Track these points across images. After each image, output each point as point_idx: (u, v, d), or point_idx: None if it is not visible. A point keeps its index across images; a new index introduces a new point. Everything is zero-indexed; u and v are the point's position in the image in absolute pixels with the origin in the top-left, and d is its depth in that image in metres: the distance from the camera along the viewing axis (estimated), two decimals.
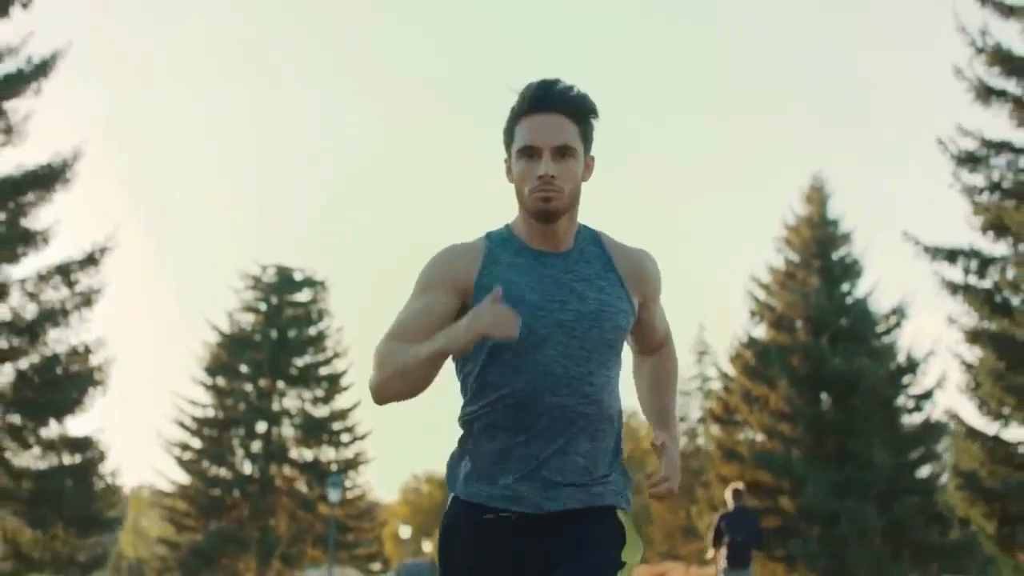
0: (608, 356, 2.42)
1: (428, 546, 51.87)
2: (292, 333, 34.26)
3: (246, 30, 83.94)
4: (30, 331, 20.42)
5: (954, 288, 20.25)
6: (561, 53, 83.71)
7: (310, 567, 32.76)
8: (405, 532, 51.63)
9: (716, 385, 32.73)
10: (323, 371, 34.39)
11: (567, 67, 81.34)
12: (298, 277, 35.05)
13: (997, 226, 19.75)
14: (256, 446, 33.27)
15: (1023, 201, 19.82)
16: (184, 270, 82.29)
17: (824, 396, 27.50)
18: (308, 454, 33.84)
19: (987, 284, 20.23)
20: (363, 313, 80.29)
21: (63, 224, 21.12)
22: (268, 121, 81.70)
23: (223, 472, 32.96)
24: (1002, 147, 20.13)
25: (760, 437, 28.96)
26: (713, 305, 75.35)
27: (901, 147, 73.34)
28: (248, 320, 34.48)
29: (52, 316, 20.58)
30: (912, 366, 27.47)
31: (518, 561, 2.37)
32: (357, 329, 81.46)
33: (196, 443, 32.96)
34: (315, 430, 33.67)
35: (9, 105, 20.25)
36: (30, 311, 20.54)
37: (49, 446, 20.75)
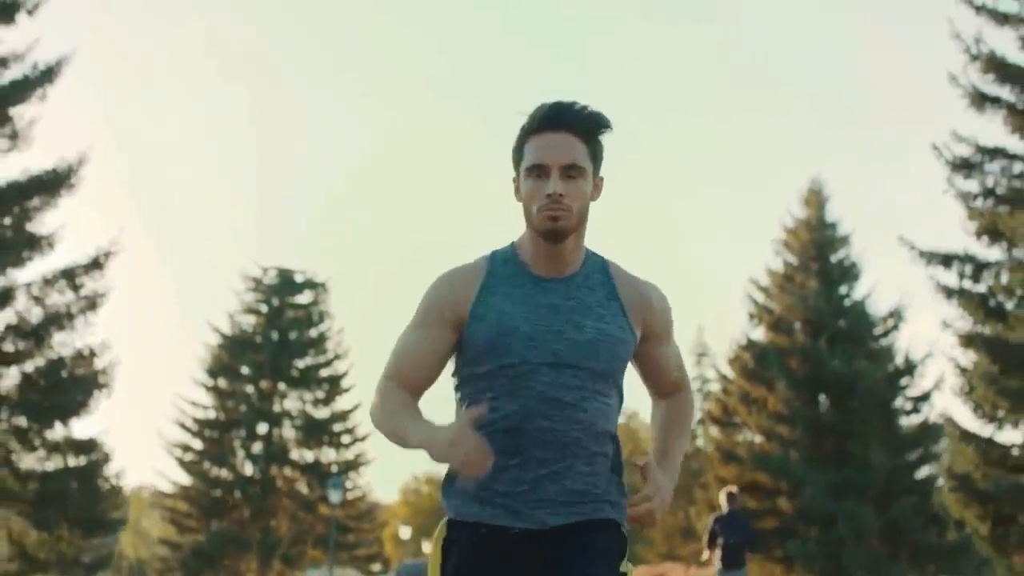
0: (604, 385, 2.41)
1: (428, 547, 51.99)
2: (293, 335, 34.39)
3: (246, 30, 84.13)
4: (36, 335, 20.57)
5: (949, 292, 20.42)
6: (561, 53, 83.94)
7: (311, 568, 32.85)
8: (405, 533, 51.75)
9: (715, 387, 32.87)
10: (324, 373, 34.53)
11: (567, 67, 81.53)
12: (299, 279, 35.17)
13: (992, 231, 19.91)
14: (257, 447, 33.40)
15: (1017, 207, 19.97)
16: (184, 271, 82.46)
17: (822, 398, 27.63)
18: (309, 455, 33.96)
19: (982, 288, 20.39)
20: (364, 314, 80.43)
21: (66, 227, 21.36)
22: (268, 121, 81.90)
23: (224, 473, 33.09)
24: (996, 153, 20.28)
25: (758, 439, 29.08)
26: (713, 306, 75.49)
27: (901, 147, 73.53)
28: (249, 322, 34.61)
29: (57, 320, 20.73)
30: (910, 368, 27.62)
31: (518, 573, 2.35)
32: (358, 331, 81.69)
33: (197, 444, 33.10)
34: (316, 431, 33.80)
35: (15, 111, 20.43)
36: (36, 315, 20.70)
37: (54, 448, 20.89)
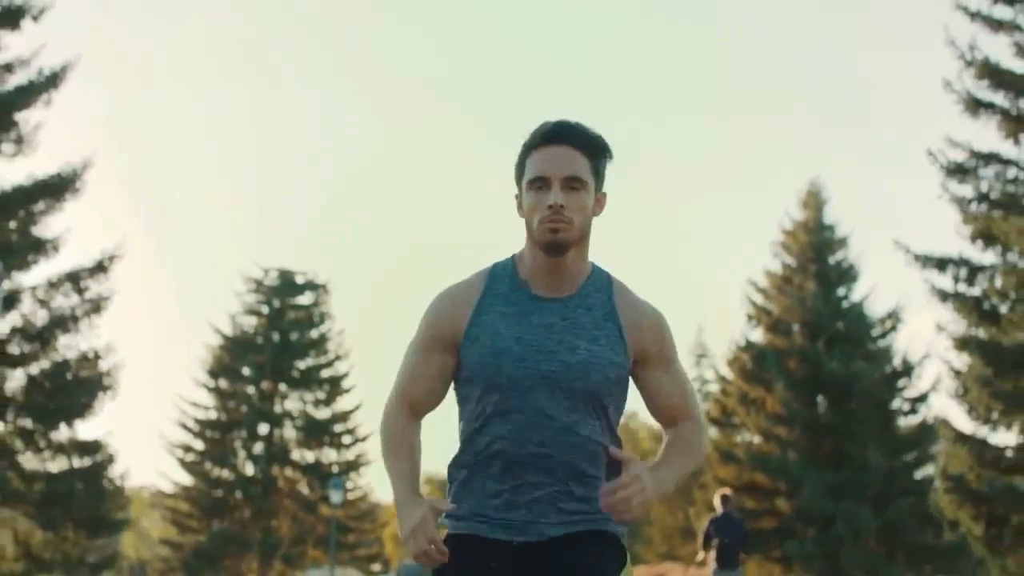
0: (597, 407, 2.39)
1: None
2: (294, 336, 34.46)
3: (246, 30, 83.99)
4: (41, 337, 20.74)
5: (944, 296, 20.60)
6: (561, 53, 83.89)
7: (311, 568, 32.86)
8: None
9: (714, 388, 33.01)
10: (325, 373, 34.58)
11: (567, 67, 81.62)
12: (300, 280, 35.21)
13: (986, 235, 20.09)
14: (258, 448, 33.46)
15: (1011, 211, 20.14)
16: (185, 272, 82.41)
17: (820, 399, 27.72)
18: (310, 456, 34.00)
19: (976, 292, 20.57)
20: (364, 315, 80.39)
21: (71, 230, 21.51)
22: (268, 121, 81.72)
23: (225, 474, 33.15)
24: (991, 158, 20.46)
25: (757, 439, 29.20)
26: (712, 306, 75.49)
27: (901, 148, 73.34)
28: (250, 323, 34.64)
29: (62, 322, 20.89)
30: (907, 369, 27.74)
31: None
32: (359, 331, 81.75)
33: (198, 445, 33.15)
34: (317, 432, 33.87)
35: (21, 116, 20.57)
36: (41, 318, 20.86)
37: (59, 449, 21.06)
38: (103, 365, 21.37)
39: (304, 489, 33.82)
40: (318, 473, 33.43)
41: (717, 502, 12.88)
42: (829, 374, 26.74)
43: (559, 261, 2.38)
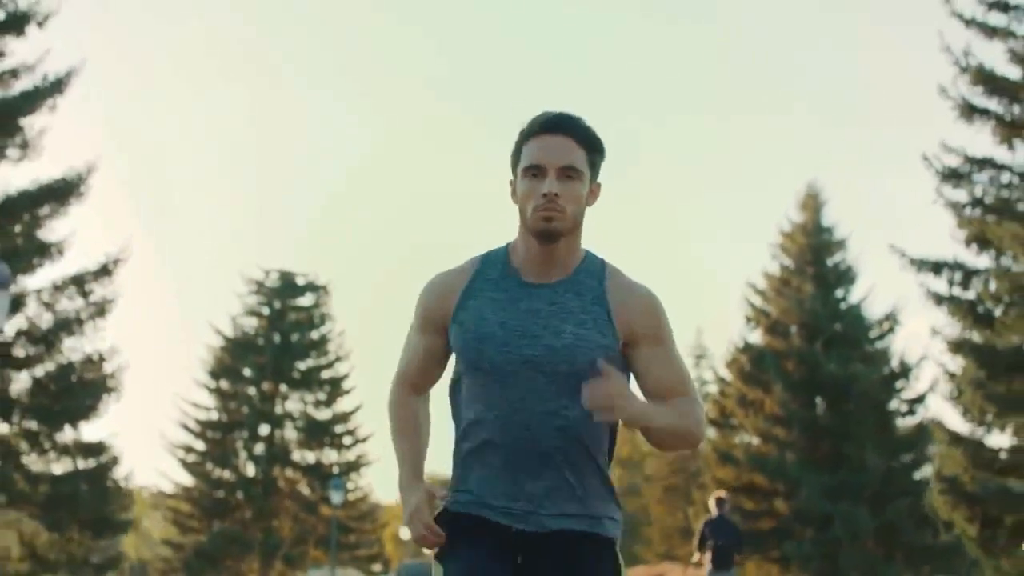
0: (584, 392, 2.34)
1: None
2: (295, 337, 34.63)
3: (246, 30, 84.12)
4: (46, 340, 20.86)
5: (939, 299, 20.79)
6: (561, 53, 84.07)
7: (312, 568, 32.94)
8: (406, 533, 51.62)
9: (712, 389, 33.18)
10: (325, 374, 34.76)
11: (567, 67, 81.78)
12: (300, 281, 35.38)
13: (980, 239, 20.27)
14: (259, 448, 33.62)
15: (1005, 216, 20.34)
16: (186, 274, 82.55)
17: (818, 400, 27.88)
18: (310, 456, 34.18)
19: (970, 296, 20.76)
20: (365, 316, 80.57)
21: (76, 234, 21.65)
22: (268, 121, 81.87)
23: (226, 474, 33.31)
24: (985, 163, 20.64)
25: (755, 441, 29.32)
26: (712, 307, 75.65)
27: (900, 149, 73.51)
28: (251, 324, 34.81)
29: (67, 325, 21.03)
30: (905, 371, 27.91)
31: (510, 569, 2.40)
32: (359, 332, 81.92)
33: (200, 445, 33.33)
34: (317, 433, 34.04)
35: (26, 121, 20.69)
36: (46, 320, 20.98)
37: (64, 451, 21.18)
38: (107, 367, 21.51)
39: (305, 490, 33.97)
40: (319, 474, 33.58)
41: (712, 504, 13.15)
42: (827, 375, 26.89)
43: (551, 249, 2.39)
